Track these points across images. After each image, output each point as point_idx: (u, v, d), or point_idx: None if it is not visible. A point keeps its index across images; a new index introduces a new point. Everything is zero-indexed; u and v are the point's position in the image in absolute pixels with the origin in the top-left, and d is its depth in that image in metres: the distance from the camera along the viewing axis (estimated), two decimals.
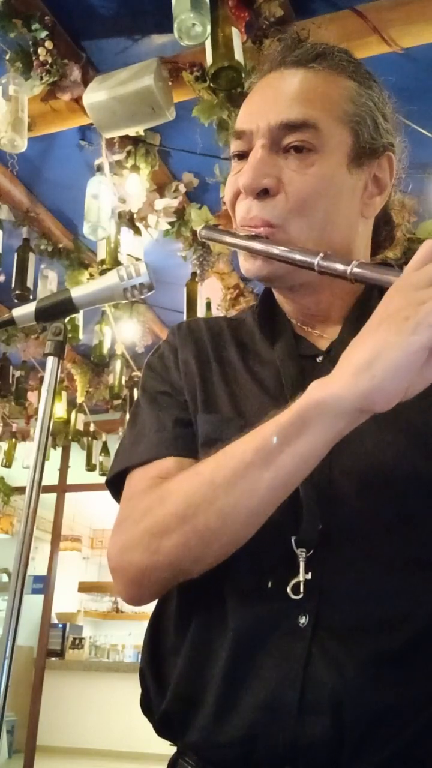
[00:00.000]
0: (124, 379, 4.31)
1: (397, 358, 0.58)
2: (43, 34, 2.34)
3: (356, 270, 0.69)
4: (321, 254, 0.73)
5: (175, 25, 2.01)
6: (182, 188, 3.08)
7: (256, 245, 0.79)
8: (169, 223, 3.14)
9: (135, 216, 3.11)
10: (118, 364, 4.26)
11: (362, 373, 0.60)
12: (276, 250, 0.78)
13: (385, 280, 0.66)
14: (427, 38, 2.22)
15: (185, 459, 0.80)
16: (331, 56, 0.83)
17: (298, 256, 0.76)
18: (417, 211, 2.61)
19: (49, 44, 2.36)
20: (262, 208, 0.80)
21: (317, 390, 0.64)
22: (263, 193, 0.80)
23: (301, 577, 0.71)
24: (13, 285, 3.13)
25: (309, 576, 0.71)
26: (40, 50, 2.36)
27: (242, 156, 0.84)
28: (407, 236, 2.55)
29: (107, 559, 0.79)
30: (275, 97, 0.82)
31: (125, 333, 4.03)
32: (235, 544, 0.71)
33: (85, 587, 7.97)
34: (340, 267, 0.71)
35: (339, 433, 0.64)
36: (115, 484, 0.85)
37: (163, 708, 0.76)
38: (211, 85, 2.21)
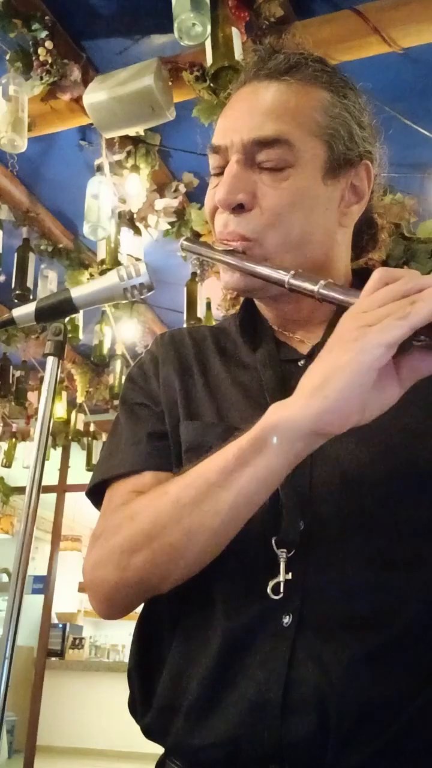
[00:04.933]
0: (124, 379, 4.30)
1: (347, 379, 0.60)
2: (43, 34, 2.35)
3: (322, 291, 0.71)
4: (291, 272, 0.75)
5: (175, 25, 2.01)
6: (182, 188, 3.08)
7: (231, 260, 0.81)
8: (169, 223, 3.14)
9: (135, 216, 3.11)
10: (118, 364, 4.26)
11: (315, 395, 0.61)
12: (249, 266, 0.79)
13: (348, 301, 0.68)
14: (427, 38, 2.22)
15: (161, 473, 0.81)
16: (305, 67, 0.84)
17: (269, 273, 0.77)
18: (417, 211, 2.61)
19: (49, 44, 2.36)
20: (237, 223, 0.81)
21: (274, 413, 0.65)
22: (239, 208, 0.81)
23: (281, 578, 0.71)
24: (13, 285, 3.13)
25: (289, 576, 0.71)
26: (40, 50, 2.37)
27: (220, 172, 0.85)
28: (407, 236, 2.55)
29: (83, 574, 0.80)
30: (249, 112, 0.82)
31: (125, 333, 4.03)
32: (202, 561, 0.72)
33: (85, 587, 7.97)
34: (308, 286, 0.73)
35: (296, 456, 0.65)
36: (95, 495, 0.87)
37: (150, 710, 0.77)
38: (211, 85, 2.21)
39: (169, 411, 0.86)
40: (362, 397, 0.61)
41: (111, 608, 0.80)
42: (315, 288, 0.72)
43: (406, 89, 2.42)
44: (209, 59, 2.14)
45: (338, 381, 0.60)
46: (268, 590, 0.71)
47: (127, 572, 0.74)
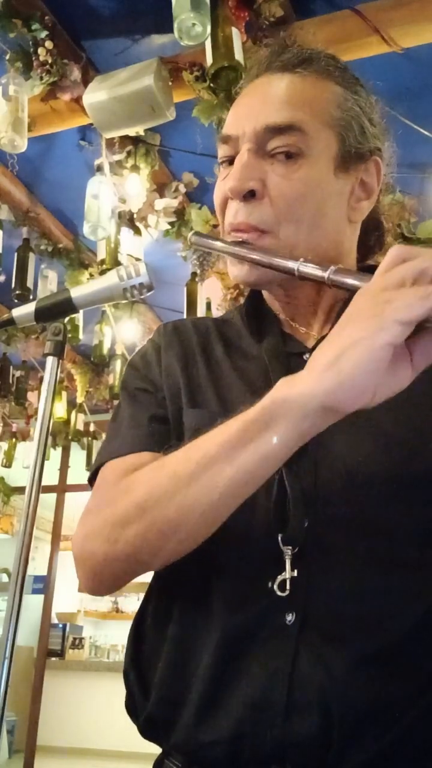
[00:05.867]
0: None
1: (363, 355, 0.58)
2: (43, 34, 2.34)
3: (333, 276, 0.71)
4: (301, 260, 0.74)
5: (175, 25, 2.01)
6: (182, 188, 3.08)
7: (240, 251, 0.80)
8: (169, 223, 3.14)
9: (135, 216, 3.11)
10: (118, 364, 4.26)
11: (328, 370, 0.59)
12: (258, 256, 0.79)
13: (360, 285, 0.67)
14: (427, 38, 2.22)
15: (159, 454, 0.80)
16: (318, 61, 0.84)
17: (279, 262, 0.77)
18: (417, 211, 2.61)
19: (49, 44, 2.36)
20: (249, 213, 0.80)
21: (283, 388, 0.63)
22: (249, 196, 0.80)
23: (287, 575, 0.71)
24: (13, 285, 3.13)
25: (295, 573, 0.71)
26: (40, 50, 2.37)
27: (229, 162, 0.84)
28: (407, 236, 2.55)
29: (72, 547, 0.79)
30: (262, 101, 0.82)
31: (125, 333, 4.03)
32: (195, 538, 0.71)
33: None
34: (318, 272, 0.72)
35: (303, 434, 0.63)
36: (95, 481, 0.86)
37: (147, 710, 0.76)
38: (211, 85, 2.22)
39: (172, 398, 0.85)
40: (376, 375, 0.59)
41: (99, 583, 0.78)
42: (325, 274, 0.71)
43: (406, 89, 2.42)
44: (209, 59, 2.14)
45: (354, 356, 0.58)
46: (274, 587, 0.71)
47: (117, 545, 0.72)
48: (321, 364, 0.61)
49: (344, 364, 0.59)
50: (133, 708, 0.80)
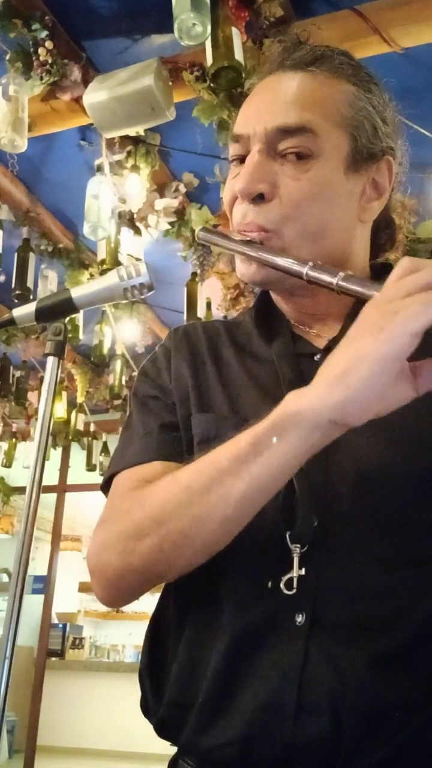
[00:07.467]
0: (124, 379, 4.31)
1: (372, 369, 0.58)
2: (43, 34, 2.34)
3: (341, 282, 0.70)
4: (310, 263, 0.74)
5: (175, 25, 2.01)
6: (182, 188, 3.08)
7: (249, 251, 0.80)
8: (169, 223, 3.14)
9: (135, 216, 3.11)
10: (118, 364, 4.26)
11: (337, 384, 0.60)
12: (267, 256, 0.78)
13: (368, 293, 0.67)
14: (427, 38, 2.22)
15: (170, 463, 0.80)
16: (330, 59, 0.83)
17: (287, 265, 0.76)
18: (417, 211, 2.61)
19: (49, 44, 2.36)
20: (257, 213, 0.80)
21: (292, 401, 0.64)
22: (258, 198, 0.80)
23: (294, 573, 0.70)
24: (13, 285, 3.13)
25: (303, 572, 0.70)
26: (40, 50, 2.37)
27: (240, 160, 0.84)
28: (408, 237, 2.55)
29: (86, 559, 0.79)
30: (273, 100, 0.81)
31: (125, 333, 4.03)
32: (209, 550, 0.71)
33: (85, 587, 7.96)
34: (326, 278, 0.72)
35: (313, 446, 0.64)
36: (108, 489, 0.86)
37: (161, 710, 0.76)
38: (211, 85, 2.21)
39: (181, 403, 0.85)
40: (384, 388, 0.59)
41: (115, 595, 0.78)
42: (334, 280, 0.71)
43: (406, 89, 2.41)
44: (209, 59, 2.13)
45: (362, 370, 0.58)
46: (281, 585, 0.70)
47: (132, 558, 0.73)
48: (330, 378, 0.61)
49: (353, 378, 0.59)
50: (147, 709, 0.80)
